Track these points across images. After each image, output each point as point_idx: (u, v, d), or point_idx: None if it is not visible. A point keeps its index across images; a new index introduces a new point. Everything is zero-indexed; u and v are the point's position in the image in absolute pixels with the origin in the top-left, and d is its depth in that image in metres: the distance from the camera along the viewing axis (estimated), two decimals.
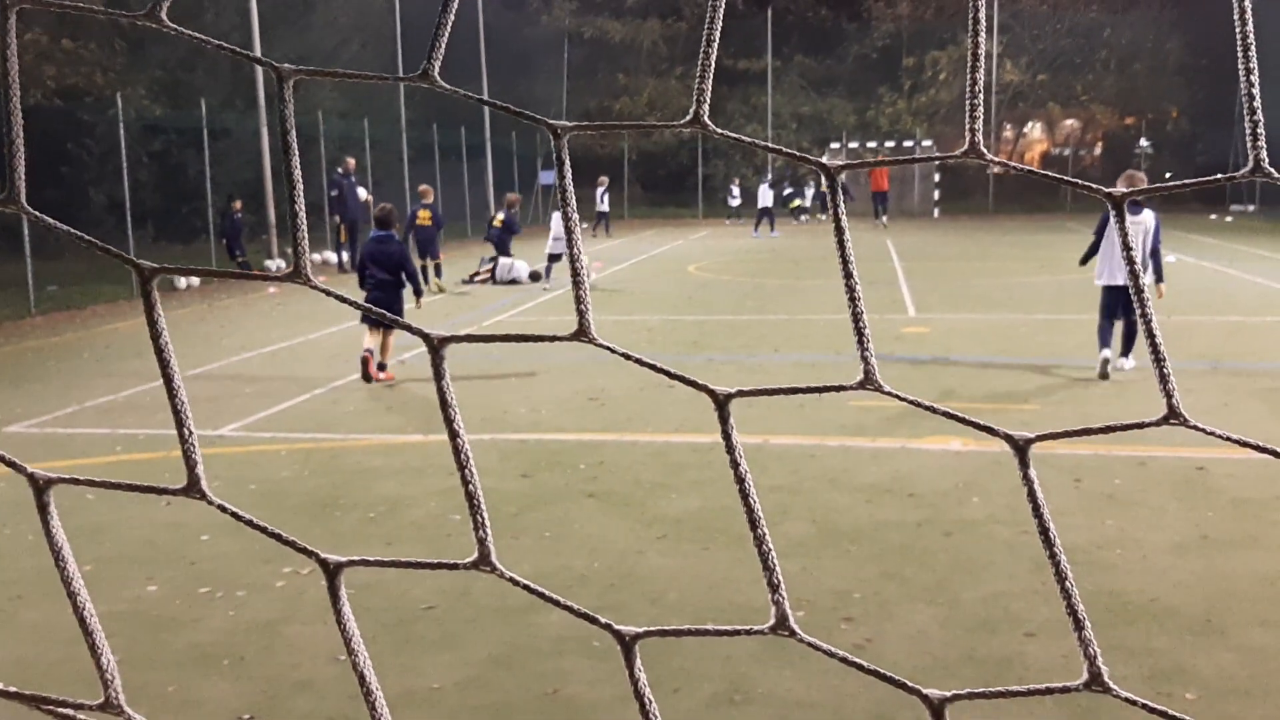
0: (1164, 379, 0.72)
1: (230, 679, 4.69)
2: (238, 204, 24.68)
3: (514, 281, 20.44)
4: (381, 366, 10.98)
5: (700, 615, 5.24)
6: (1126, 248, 0.74)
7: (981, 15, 0.74)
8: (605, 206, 33.85)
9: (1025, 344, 12.61)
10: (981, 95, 0.74)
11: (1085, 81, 45.05)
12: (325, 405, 10.05)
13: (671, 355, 12.41)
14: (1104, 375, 10.53)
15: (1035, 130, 49.13)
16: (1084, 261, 11.28)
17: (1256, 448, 0.71)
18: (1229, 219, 36.91)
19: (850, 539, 6.25)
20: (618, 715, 4.30)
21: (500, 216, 21.29)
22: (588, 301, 0.77)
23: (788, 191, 34.53)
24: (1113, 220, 0.75)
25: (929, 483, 7.22)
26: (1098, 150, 47.96)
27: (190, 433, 0.77)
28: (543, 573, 5.65)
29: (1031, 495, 0.72)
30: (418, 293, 11.82)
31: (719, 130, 0.78)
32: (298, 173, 0.78)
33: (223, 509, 0.77)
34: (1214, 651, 4.74)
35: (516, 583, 0.76)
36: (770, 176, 35.37)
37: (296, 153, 0.78)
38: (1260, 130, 0.71)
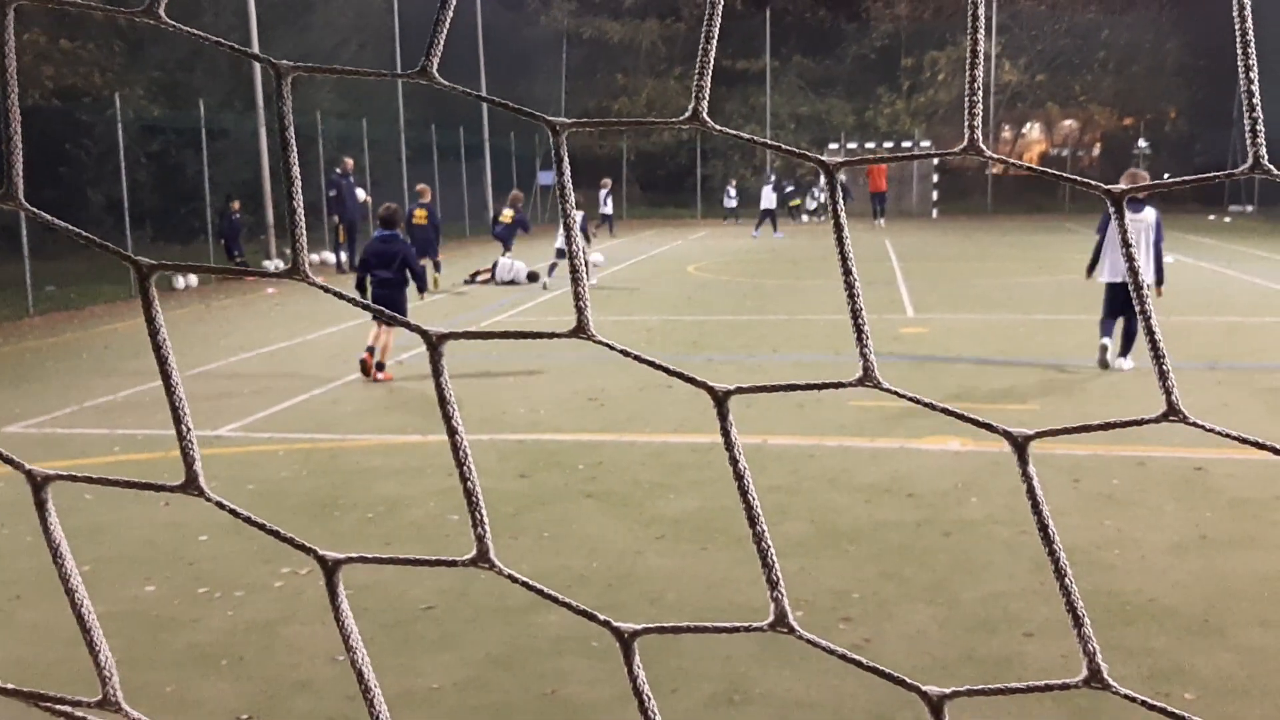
0: (1163, 376, 0.72)
1: (229, 679, 4.69)
2: (236, 204, 24.69)
3: (513, 282, 20.46)
4: (380, 366, 10.99)
5: (699, 615, 5.24)
6: (1126, 244, 0.74)
7: (981, 13, 0.74)
8: (609, 208, 33.85)
9: (1024, 344, 12.62)
10: (980, 93, 0.74)
11: (1084, 82, 45.06)
12: (324, 405, 10.05)
13: (671, 355, 12.41)
14: (1103, 364, 10.70)
15: (1034, 131, 49.16)
16: (1091, 270, 11.21)
17: (1255, 444, 0.71)
18: (1227, 219, 36.92)
19: (849, 539, 6.25)
20: (617, 715, 4.30)
21: (509, 213, 21.47)
22: (587, 299, 0.77)
23: (789, 189, 34.55)
24: (1113, 217, 0.75)
25: (928, 483, 7.22)
26: (1096, 151, 47.97)
27: (188, 430, 0.77)
28: (541, 573, 5.64)
29: (1031, 492, 0.72)
30: (421, 289, 11.88)
31: (718, 127, 0.78)
32: (296, 170, 0.78)
33: (220, 506, 0.77)
34: (1213, 651, 4.75)
35: (515, 580, 0.76)
36: (773, 179, 35.39)
37: (295, 150, 0.78)
38: (1260, 127, 0.71)
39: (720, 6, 0.75)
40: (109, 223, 22.84)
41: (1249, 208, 39.79)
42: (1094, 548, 5.98)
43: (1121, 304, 10.66)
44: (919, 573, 5.71)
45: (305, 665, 4.78)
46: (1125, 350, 10.83)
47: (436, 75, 0.77)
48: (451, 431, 0.76)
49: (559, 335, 0.78)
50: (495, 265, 20.67)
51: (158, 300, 0.77)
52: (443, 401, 0.76)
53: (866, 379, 0.75)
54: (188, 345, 13.64)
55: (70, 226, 0.81)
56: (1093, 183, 0.76)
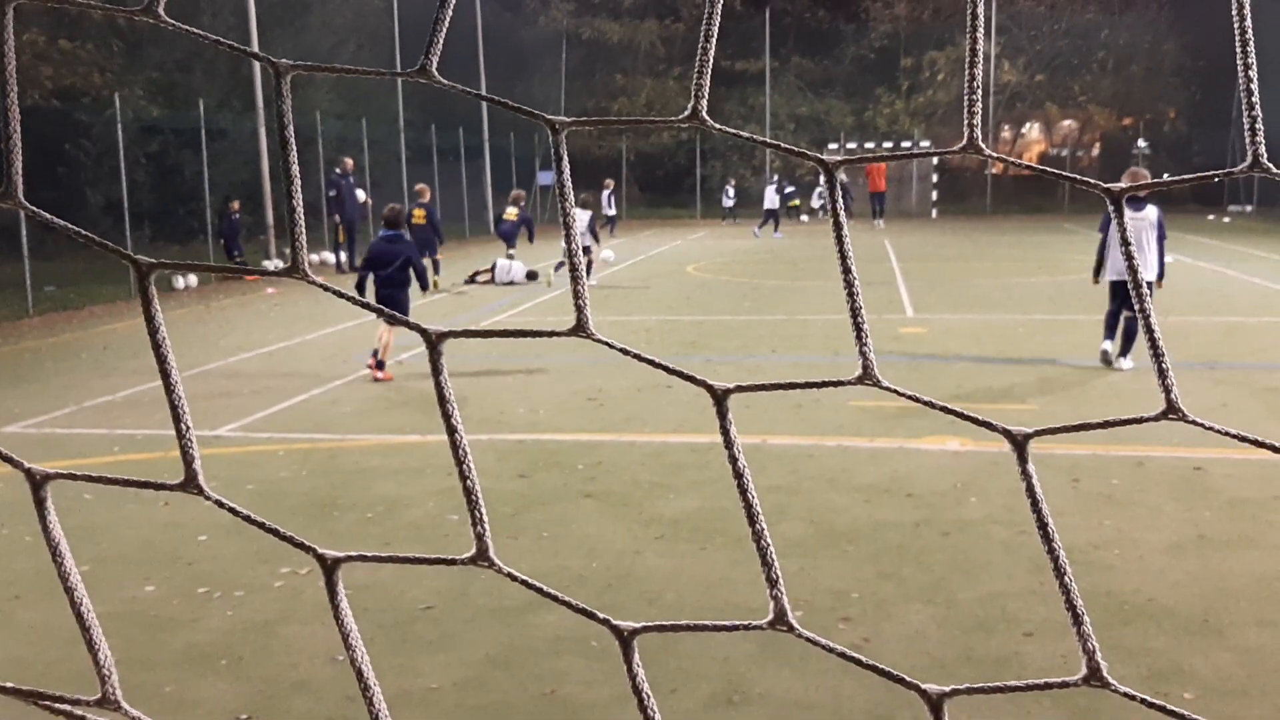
0: (1162, 374, 0.72)
1: (228, 679, 4.69)
2: (235, 205, 24.70)
3: (513, 283, 20.48)
4: (380, 365, 11.03)
5: (698, 615, 5.24)
6: (1125, 242, 0.74)
7: (980, 11, 0.74)
8: (612, 209, 33.88)
9: (1023, 344, 12.62)
10: (980, 92, 0.74)
11: (1083, 82, 45.10)
12: (323, 405, 10.05)
13: (669, 356, 12.41)
14: (1106, 362, 10.88)
15: (1033, 131, 49.18)
16: (1097, 272, 11.23)
17: (1254, 442, 0.71)
18: (1226, 219, 36.94)
19: (848, 539, 6.25)
20: (615, 715, 4.30)
21: (513, 211, 21.65)
22: (586, 297, 0.77)
23: (789, 191, 34.60)
24: (1112, 215, 0.75)
25: (927, 483, 7.22)
26: (1095, 151, 48.00)
27: (188, 428, 0.77)
28: (540, 573, 5.64)
29: (1030, 491, 0.72)
30: (424, 286, 11.96)
31: (717, 126, 0.78)
32: (295, 169, 0.78)
33: (219, 504, 0.77)
34: (1211, 651, 4.75)
35: (514, 578, 0.76)
36: (776, 179, 35.43)
37: (294, 149, 0.78)
38: (1259, 125, 0.71)
39: (719, 5, 0.75)
40: (108, 223, 22.83)
41: (1248, 208, 39.82)
42: (1093, 547, 5.98)
43: (1125, 301, 10.70)
44: (918, 573, 5.71)
45: (304, 665, 4.78)
46: (1125, 350, 10.86)
47: (436, 74, 0.77)
48: (451, 430, 0.76)
49: (558, 334, 0.78)
50: (494, 267, 20.70)
51: (157, 299, 0.77)
52: (442, 400, 0.76)
53: (866, 377, 0.75)
54: (187, 345, 13.64)
55: (69, 225, 0.81)
56: (1092, 181, 0.76)
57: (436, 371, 0.76)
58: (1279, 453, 0.71)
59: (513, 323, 16.06)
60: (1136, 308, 0.74)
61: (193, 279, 20.98)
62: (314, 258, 24.58)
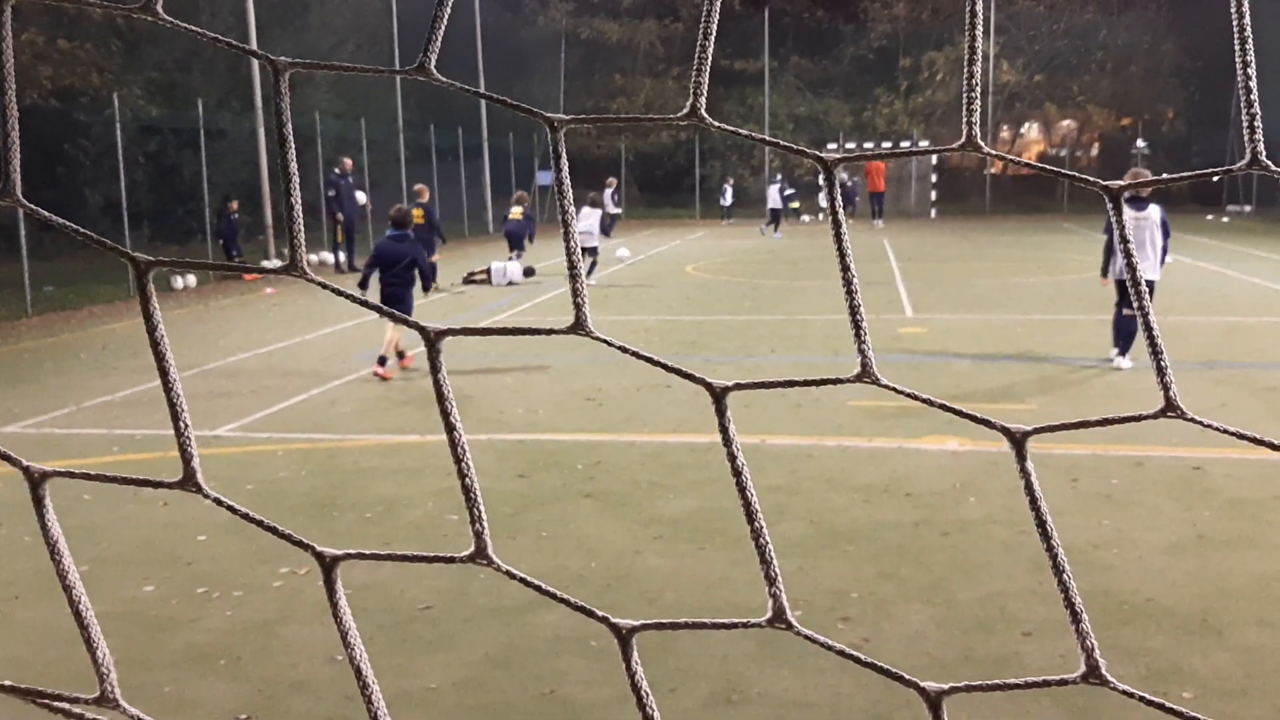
0: (1161, 372, 0.72)
1: (227, 679, 4.69)
2: (234, 204, 24.69)
3: (511, 284, 20.50)
4: (382, 361, 11.13)
5: (697, 615, 5.24)
6: (1124, 240, 0.74)
7: (979, 10, 0.74)
8: (614, 208, 33.91)
9: (1022, 344, 12.62)
10: (979, 90, 0.74)
11: (1082, 83, 45.10)
12: (322, 405, 10.05)
13: (669, 355, 12.35)
14: (1119, 366, 10.95)
15: (1032, 131, 49.19)
16: (1105, 271, 11.30)
17: (1253, 440, 0.71)
18: (1225, 219, 36.96)
19: (847, 539, 6.25)
20: (615, 715, 4.30)
21: (518, 210, 21.94)
22: (584, 295, 0.77)
23: (789, 192, 34.69)
24: (1110, 213, 0.75)
25: (926, 483, 7.23)
26: (1094, 151, 48.02)
27: (186, 426, 0.77)
28: (539, 573, 5.64)
29: (1029, 488, 0.72)
30: (426, 287, 12.04)
31: (716, 124, 0.78)
32: (294, 167, 0.78)
33: (218, 503, 0.77)
34: (1210, 651, 4.75)
35: (513, 576, 0.76)
36: (779, 178, 35.45)
37: (292, 147, 0.78)
38: (1258, 123, 0.71)
39: (718, 5, 0.75)
40: (106, 223, 22.82)
41: (1247, 208, 39.83)
42: (1092, 547, 5.98)
43: (1126, 299, 10.75)
44: (917, 573, 5.71)
45: (303, 665, 4.78)
46: (1125, 349, 10.89)
47: (435, 72, 0.77)
48: (450, 428, 0.76)
49: (557, 331, 0.78)
50: (489, 269, 20.73)
51: (155, 298, 0.77)
52: (441, 398, 0.76)
53: (865, 375, 0.75)
54: (186, 345, 13.64)
55: (67, 223, 0.81)
56: (1091, 179, 0.76)
57: (435, 370, 0.76)
58: (1277, 450, 0.71)
59: (512, 322, 16.04)
60: (1136, 306, 0.74)
61: (191, 279, 20.98)
62: (312, 258, 24.58)
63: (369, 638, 4.90)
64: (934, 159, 42.94)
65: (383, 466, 7.89)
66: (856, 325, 0.75)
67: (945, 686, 0.74)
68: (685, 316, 15.92)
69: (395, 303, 11.23)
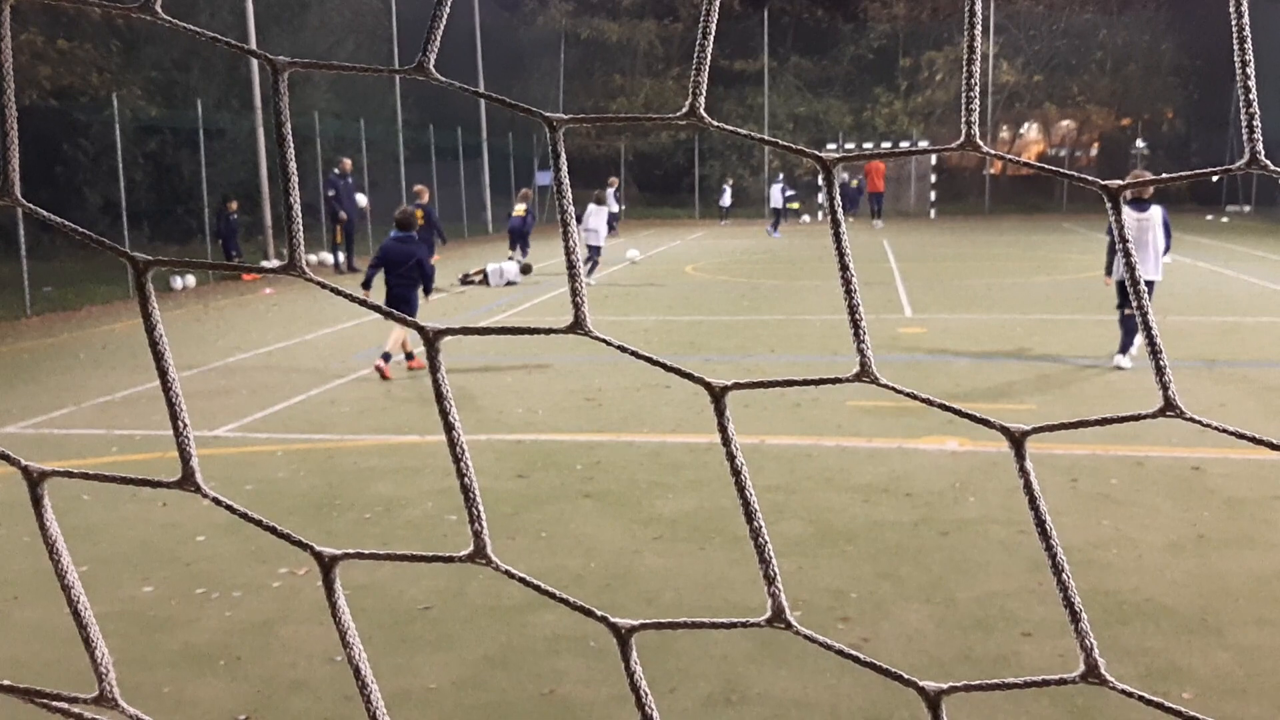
0: (1160, 371, 0.72)
1: (226, 679, 4.68)
2: (233, 205, 24.68)
3: (510, 284, 20.51)
4: (386, 357, 11.19)
5: (696, 615, 5.23)
6: (1123, 239, 0.74)
7: (978, 8, 0.74)
8: (615, 206, 33.92)
9: (1021, 344, 12.63)
10: (978, 90, 0.74)
11: (1081, 82, 45.11)
12: (321, 406, 10.05)
13: (668, 356, 12.38)
14: (1119, 365, 10.98)
15: (1031, 131, 49.20)
16: (1110, 270, 11.40)
17: (1252, 439, 0.71)
18: (1224, 219, 36.97)
19: (847, 539, 6.25)
20: (614, 715, 4.30)
21: (521, 207, 22.40)
22: (584, 295, 0.77)
23: (790, 193, 34.74)
24: (1109, 212, 0.75)
25: (925, 483, 7.23)
26: (1094, 151, 48.03)
27: (185, 426, 0.77)
28: (538, 573, 5.64)
29: (1028, 488, 0.72)
30: (428, 290, 12.07)
31: (715, 123, 0.78)
32: (293, 165, 0.78)
33: (217, 502, 0.77)
34: (1210, 651, 4.75)
35: (512, 575, 0.76)
36: (781, 177, 35.46)
37: (291, 146, 0.78)
38: (1256, 123, 0.71)
39: (717, 4, 0.75)
40: (105, 223, 22.83)
41: (1246, 208, 39.85)
42: (1091, 547, 5.99)
43: (1126, 299, 10.82)
44: (916, 572, 5.71)
45: (302, 665, 4.78)
46: (1125, 347, 10.92)
47: (434, 72, 0.77)
48: (449, 428, 0.76)
49: (555, 330, 0.78)
50: (485, 271, 20.75)
51: (154, 297, 0.77)
52: (440, 397, 0.76)
53: (863, 374, 0.75)
54: (185, 345, 13.63)
55: (66, 223, 0.81)
56: (1089, 179, 0.76)
57: (434, 369, 0.76)
58: (1276, 449, 0.71)
59: (511, 322, 16.02)
60: (1135, 306, 0.74)
61: (190, 279, 20.98)
62: (311, 258, 24.58)
63: (368, 638, 4.90)
64: (933, 159, 42.94)
65: (382, 466, 7.89)
66: (855, 325, 0.75)
67: (944, 686, 0.74)
68: (684, 316, 15.92)
69: (401, 303, 11.32)
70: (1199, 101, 42.77)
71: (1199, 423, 0.72)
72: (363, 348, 13.03)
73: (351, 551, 0.79)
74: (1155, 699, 0.72)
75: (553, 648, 4.89)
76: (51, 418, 9.75)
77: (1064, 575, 0.71)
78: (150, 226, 26.33)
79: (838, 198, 0.78)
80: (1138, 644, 4.82)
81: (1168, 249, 10.91)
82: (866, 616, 5.19)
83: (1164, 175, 0.77)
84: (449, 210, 31.17)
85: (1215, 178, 0.78)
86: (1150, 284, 10.88)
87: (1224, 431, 0.73)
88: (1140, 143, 42.48)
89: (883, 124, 45.21)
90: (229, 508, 0.78)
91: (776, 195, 33.84)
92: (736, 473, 0.75)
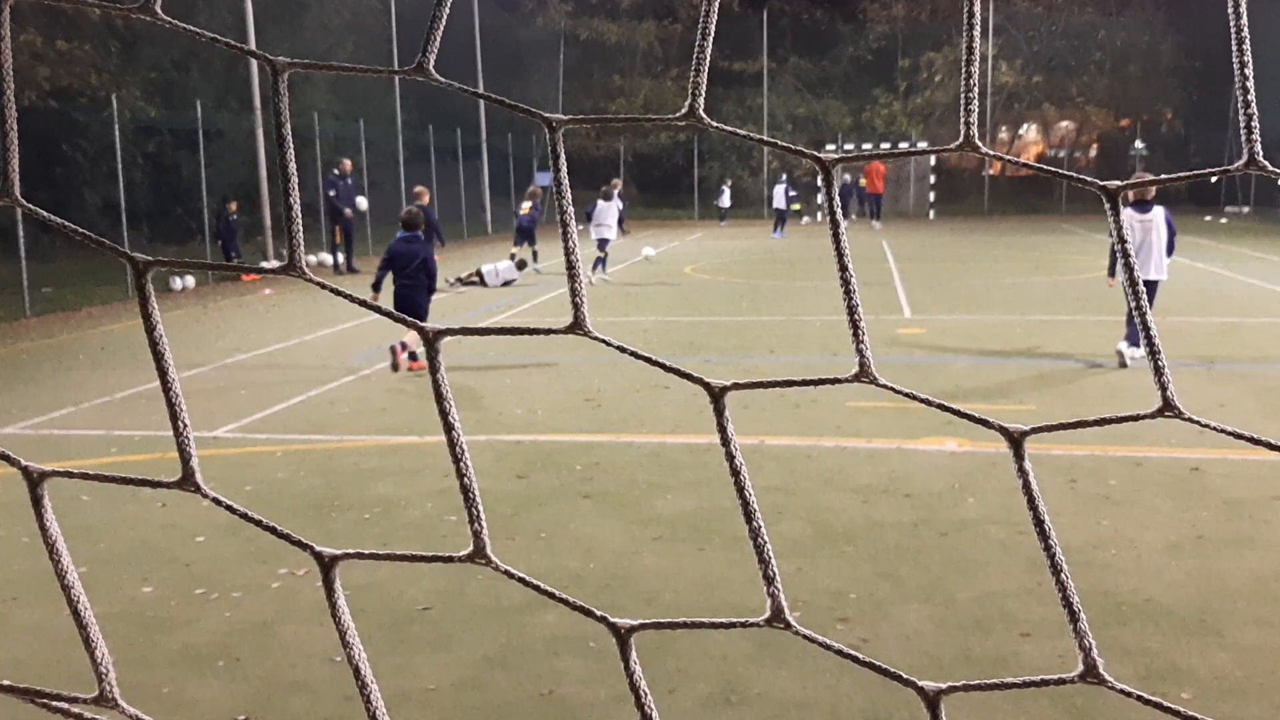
0: (1159, 372, 0.72)
1: (225, 680, 4.68)
2: (233, 205, 24.68)
3: (508, 283, 20.51)
4: (413, 356, 11.30)
5: (695, 615, 5.23)
6: (1121, 240, 0.74)
7: (977, 9, 0.74)
8: (620, 206, 33.95)
9: (1020, 344, 12.63)
10: (976, 90, 0.74)
11: (1080, 83, 45.12)
12: (321, 406, 10.04)
13: (667, 356, 12.38)
14: (1122, 364, 11.01)
15: (1030, 132, 49.22)
16: (1112, 271, 11.52)
17: (1251, 440, 0.71)
18: (1223, 220, 36.99)
19: (846, 539, 6.25)
20: (613, 715, 4.30)
21: (527, 205, 22.60)
22: (583, 294, 0.77)
23: (792, 194, 34.78)
24: (1108, 213, 0.76)
25: (924, 483, 7.23)
26: (1093, 152, 48.05)
27: (185, 426, 0.77)
28: (538, 573, 5.64)
29: (1027, 488, 0.72)
30: (431, 290, 12.13)
31: (714, 123, 0.78)
32: (292, 166, 0.78)
33: (217, 502, 0.77)
34: (1209, 651, 4.75)
35: (511, 575, 0.76)
36: (784, 177, 35.47)
37: (291, 146, 0.78)
38: (1255, 124, 0.71)
39: (716, 5, 0.75)
40: (105, 223, 22.81)
41: (1245, 209, 39.86)
42: (1090, 547, 5.99)
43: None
44: (915, 573, 5.71)
45: (302, 666, 4.78)
46: (1136, 340, 11.00)
47: (433, 72, 0.78)
48: (449, 428, 0.76)
49: (555, 331, 0.78)
50: (480, 273, 20.75)
51: (154, 297, 0.77)
52: (439, 398, 0.76)
53: (863, 374, 0.75)
54: (184, 346, 13.63)
55: (66, 223, 0.81)
56: (1088, 179, 0.76)
57: (434, 369, 0.76)
58: (1275, 450, 0.71)
59: (511, 322, 16.05)
60: (1133, 306, 0.75)
61: (190, 280, 20.98)
62: (311, 259, 24.58)
63: (367, 638, 4.90)
64: (932, 160, 42.94)
65: (381, 467, 7.89)
66: (855, 325, 0.75)
67: (943, 686, 0.74)
68: (683, 317, 15.93)
69: (410, 305, 11.39)
70: (1198, 102, 42.79)
71: (1198, 423, 0.72)
72: (362, 348, 13.03)
73: (351, 551, 0.79)
74: (1154, 699, 0.72)
75: (552, 648, 4.89)
76: (51, 418, 9.75)
77: (1063, 575, 0.71)
78: (149, 227, 26.32)
79: (837, 199, 0.78)
80: (1137, 644, 4.82)
81: (1172, 249, 10.97)
82: (866, 617, 5.19)
83: (1162, 176, 0.78)
84: (449, 211, 31.18)
85: (1214, 179, 0.78)
86: (1154, 284, 10.94)
87: (1223, 432, 0.73)
88: (1139, 143, 42.50)
89: (882, 125, 45.23)
90: (229, 507, 0.78)
91: (780, 196, 33.81)
92: (736, 473, 0.75)
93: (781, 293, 18.70)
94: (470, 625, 5.16)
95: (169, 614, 5.38)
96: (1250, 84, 0.70)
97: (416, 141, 32.62)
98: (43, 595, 5.56)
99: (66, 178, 24.79)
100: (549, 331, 0.79)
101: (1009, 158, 0.78)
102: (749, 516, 0.74)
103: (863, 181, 38.70)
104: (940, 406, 0.76)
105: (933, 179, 42.90)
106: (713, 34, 0.75)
